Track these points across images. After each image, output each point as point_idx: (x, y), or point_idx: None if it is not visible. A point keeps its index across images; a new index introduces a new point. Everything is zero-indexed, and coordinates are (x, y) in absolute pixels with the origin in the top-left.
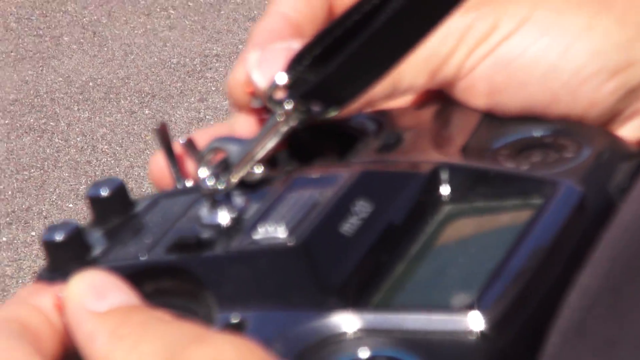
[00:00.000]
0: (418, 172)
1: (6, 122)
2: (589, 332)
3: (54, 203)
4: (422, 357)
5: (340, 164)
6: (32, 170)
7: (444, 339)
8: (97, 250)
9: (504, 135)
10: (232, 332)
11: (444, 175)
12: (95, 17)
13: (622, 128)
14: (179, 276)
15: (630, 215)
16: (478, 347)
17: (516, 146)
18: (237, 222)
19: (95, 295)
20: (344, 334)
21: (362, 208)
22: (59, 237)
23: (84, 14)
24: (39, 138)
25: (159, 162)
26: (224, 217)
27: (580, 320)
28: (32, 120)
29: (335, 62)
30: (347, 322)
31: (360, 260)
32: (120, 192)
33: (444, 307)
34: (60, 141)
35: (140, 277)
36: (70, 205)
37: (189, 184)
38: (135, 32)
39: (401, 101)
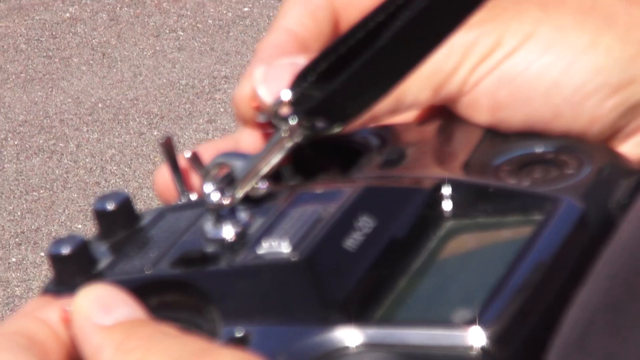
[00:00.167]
0: (420, 187)
1: (15, 143)
2: (589, 348)
3: (63, 224)
4: None
5: (343, 180)
6: (42, 191)
7: (445, 354)
8: (102, 264)
9: (505, 151)
10: (236, 346)
11: (446, 191)
12: (104, 39)
13: (624, 145)
14: (184, 290)
15: (629, 233)
16: None
17: (518, 162)
18: (241, 236)
19: (102, 309)
20: (347, 348)
21: (365, 223)
22: (65, 250)
23: (93, 35)
24: (48, 159)
25: (164, 175)
26: (228, 232)
27: (580, 336)
28: (41, 141)
29: (340, 79)
30: (349, 336)
31: (363, 275)
32: (126, 205)
33: (446, 322)
34: (69, 162)
35: (145, 291)
36: (79, 226)
37: (193, 197)
38: (145, 53)
39: (405, 117)
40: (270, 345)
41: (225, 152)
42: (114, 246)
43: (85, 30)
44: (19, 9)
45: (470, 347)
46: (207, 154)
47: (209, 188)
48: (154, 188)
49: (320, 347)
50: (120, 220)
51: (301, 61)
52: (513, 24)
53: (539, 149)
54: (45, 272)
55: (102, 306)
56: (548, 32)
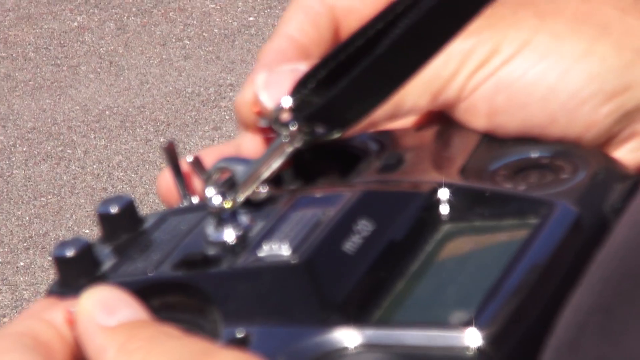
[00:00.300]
0: (418, 192)
1: (24, 149)
2: (581, 350)
3: (70, 229)
4: None
5: (342, 184)
6: (50, 197)
7: (442, 355)
8: (106, 266)
9: (502, 156)
10: (237, 347)
11: (444, 195)
12: (112, 47)
13: (619, 150)
14: (185, 292)
15: (622, 237)
16: None
17: (514, 167)
18: (242, 239)
19: (106, 311)
20: (346, 349)
21: (363, 227)
22: (69, 252)
23: (100, 44)
24: (56, 165)
25: (166, 179)
26: (229, 235)
27: (573, 338)
28: (49, 148)
29: (339, 85)
30: (348, 337)
31: (362, 277)
32: (129, 209)
33: (443, 323)
34: (77, 168)
35: (148, 293)
36: (87, 231)
37: (195, 200)
38: (151, 62)
39: (403, 122)
40: (270, 346)
41: (226, 156)
42: (117, 249)
43: (93, 39)
44: (27, 18)
45: (467, 348)
46: (209, 158)
47: (210, 192)
48: (157, 191)
49: (319, 347)
50: (123, 223)
51: (302, 67)
52: (510, 31)
53: (534, 154)
54: (52, 276)
55: (105, 308)
56: (544, 40)
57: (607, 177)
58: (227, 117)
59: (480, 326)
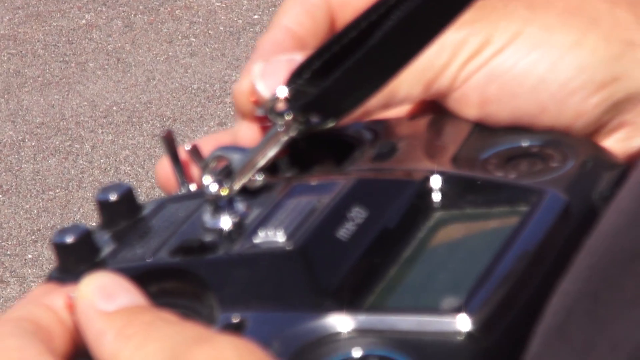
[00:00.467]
0: (411, 180)
1: (33, 144)
2: (569, 335)
3: (77, 222)
4: (412, 357)
5: (337, 172)
6: (57, 191)
7: (433, 340)
8: (105, 252)
9: (493, 145)
10: (232, 332)
11: (436, 183)
12: (119, 44)
13: (607, 139)
14: (183, 278)
15: (609, 224)
16: (465, 347)
17: (504, 156)
18: (238, 226)
19: (105, 296)
20: (339, 334)
21: (357, 214)
22: (69, 239)
23: (108, 41)
24: (64, 160)
25: (165, 167)
26: (226, 222)
27: (561, 324)
28: (57, 143)
29: (334, 76)
30: (341, 323)
31: (355, 264)
32: (127, 196)
33: (434, 309)
34: (84, 163)
35: (146, 278)
36: (93, 223)
37: (193, 188)
38: (158, 58)
39: (397, 111)
40: (265, 331)
41: (224, 145)
42: (116, 235)
43: (101, 36)
44: (36, 15)
45: (458, 333)
46: (207, 147)
47: (207, 180)
48: (155, 179)
49: (313, 332)
50: (122, 211)
51: (298, 58)
52: (501, 23)
53: (525, 142)
54: None
55: (104, 293)
56: (535, 31)
57: (596, 166)
58: (231, 113)
59: (470, 312)
